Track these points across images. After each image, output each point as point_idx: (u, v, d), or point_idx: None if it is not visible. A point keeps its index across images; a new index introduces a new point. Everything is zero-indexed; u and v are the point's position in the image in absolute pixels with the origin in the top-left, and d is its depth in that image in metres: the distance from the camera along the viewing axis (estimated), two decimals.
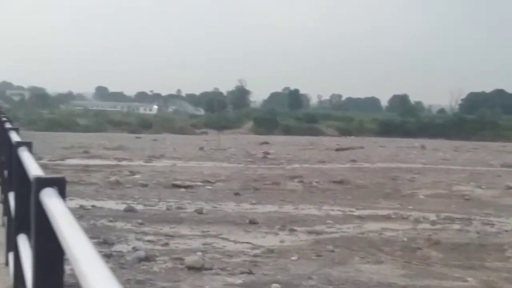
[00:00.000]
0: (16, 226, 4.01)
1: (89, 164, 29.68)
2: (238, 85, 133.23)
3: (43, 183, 2.26)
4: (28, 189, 3.87)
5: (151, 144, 46.50)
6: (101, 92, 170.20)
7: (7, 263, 4.94)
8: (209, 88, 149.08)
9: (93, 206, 17.73)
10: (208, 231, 15.04)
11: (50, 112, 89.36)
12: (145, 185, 23.02)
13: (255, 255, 12.80)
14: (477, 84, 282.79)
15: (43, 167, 3.04)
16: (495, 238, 15.63)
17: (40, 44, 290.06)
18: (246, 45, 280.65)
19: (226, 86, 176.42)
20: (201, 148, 42.80)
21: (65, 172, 23.40)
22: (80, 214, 15.58)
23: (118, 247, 12.86)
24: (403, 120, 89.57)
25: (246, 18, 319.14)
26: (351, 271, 11.91)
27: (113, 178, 24.05)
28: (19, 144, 4.18)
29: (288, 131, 77.44)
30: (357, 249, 13.72)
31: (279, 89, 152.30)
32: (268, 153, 39.49)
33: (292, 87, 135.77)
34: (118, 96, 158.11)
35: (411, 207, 20.36)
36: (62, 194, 2.21)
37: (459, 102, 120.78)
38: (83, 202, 18.10)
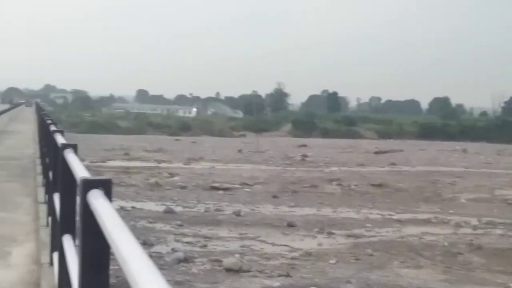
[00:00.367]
0: (61, 226, 4.07)
1: (130, 166, 30.10)
2: (276, 88, 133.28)
3: (90, 184, 2.28)
4: (73, 191, 3.95)
5: (190, 146, 46.90)
6: (142, 95, 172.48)
7: (51, 263, 5.01)
8: (248, 91, 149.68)
9: (133, 207, 17.96)
10: (246, 234, 15.07)
11: (92, 114, 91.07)
12: (184, 187, 23.22)
13: (293, 258, 12.77)
14: None
15: (85, 168, 3.09)
16: None
17: (82, 48, 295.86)
18: (285, 48, 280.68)
19: (264, 89, 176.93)
20: (240, 151, 42.94)
21: (106, 174, 23.80)
22: (120, 215, 15.76)
23: (157, 248, 12.99)
24: (444, 123, 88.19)
25: (285, 21, 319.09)
26: (390, 275, 11.77)
27: (152, 180, 24.33)
28: (65, 146, 4.24)
29: (326, 134, 77.10)
30: (396, 253, 13.55)
31: (317, 91, 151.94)
32: (306, 156, 39.37)
33: (331, 90, 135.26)
34: (158, 99, 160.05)
35: (452, 211, 20.02)
36: (109, 195, 2.22)
37: (502, 104, 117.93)
38: (124, 203, 18.35)
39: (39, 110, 24.46)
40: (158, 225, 15.51)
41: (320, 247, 13.99)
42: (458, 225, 17.24)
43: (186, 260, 12.01)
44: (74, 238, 3.78)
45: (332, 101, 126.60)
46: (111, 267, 2.27)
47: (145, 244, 13.20)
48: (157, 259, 11.99)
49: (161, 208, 18.00)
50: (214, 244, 13.83)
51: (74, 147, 4.20)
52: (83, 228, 2.27)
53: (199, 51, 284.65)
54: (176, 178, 25.81)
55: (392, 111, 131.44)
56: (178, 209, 18.21)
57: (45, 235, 6.15)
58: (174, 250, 12.78)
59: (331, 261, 12.55)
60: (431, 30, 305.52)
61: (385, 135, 78.33)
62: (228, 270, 11.40)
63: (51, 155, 6.32)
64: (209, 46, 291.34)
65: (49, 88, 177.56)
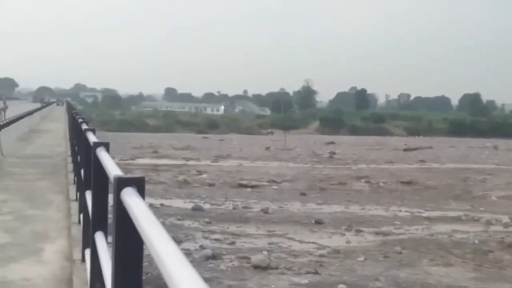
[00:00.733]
0: (93, 223, 4.11)
1: (158, 163, 30.36)
2: (304, 85, 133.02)
3: (123, 182, 2.30)
4: (105, 188, 4.01)
5: (218, 144, 47.07)
6: (170, 93, 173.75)
7: (83, 260, 5.08)
8: (275, 88, 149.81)
9: (161, 204, 18.12)
10: (274, 231, 15.10)
11: (121, 113, 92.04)
12: (212, 185, 23.34)
13: (321, 255, 12.75)
14: None
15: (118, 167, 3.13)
16: None
17: (112, 47, 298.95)
18: (313, 45, 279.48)
19: (292, 86, 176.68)
20: (267, 148, 42.95)
21: (135, 172, 24.06)
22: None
23: (185, 245, 13.09)
24: (475, 119, 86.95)
25: (312, 19, 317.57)
26: (419, 273, 11.67)
27: (181, 177, 24.51)
28: (97, 144, 4.27)
29: (354, 131, 76.64)
30: (426, 251, 13.43)
31: (345, 88, 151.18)
32: (334, 153, 39.21)
33: (359, 87, 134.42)
34: (186, 97, 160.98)
35: (482, 208, 19.75)
36: (142, 193, 2.24)
37: None
38: (152, 201, 18.52)
39: (70, 109, 24.79)
40: (187, 222, 15.62)
41: (349, 245, 13.94)
42: (488, 223, 17.01)
43: (214, 257, 12.08)
44: (106, 235, 3.84)
45: (361, 98, 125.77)
46: None
47: (174, 241, 13.31)
48: (186, 256, 12.08)
49: (189, 206, 18.13)
50: (242, 241, 13.88)
51: (106, 146, 4.23)
52: (117, 225, 2.30)
53: (227, 49, 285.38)
54: (204, 175, 25.96)
55: (422, 107, 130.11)
56: (206, 206, 18.32)
57: (77, 232, 6.24)
58: (202, 247, 12.87)
59: (359, 259, 12.50)
60: (463, 26, 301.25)
61: (414, 132, 77.56)
62: (256, 267, 11.44)
63: (83, 153, 6.40)
64: (237, 44, 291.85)
65: (79, 87, 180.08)
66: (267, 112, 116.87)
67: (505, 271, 12.25)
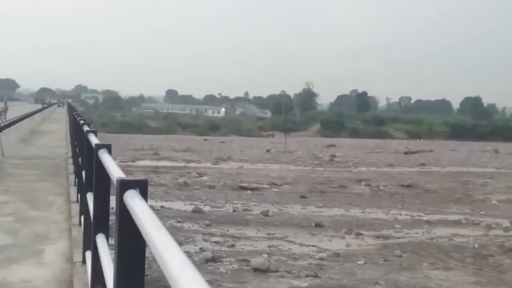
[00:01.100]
0: (94, 226, 4.12)
1: (159, 165, 30.38)
2: (305, 88, 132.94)
3: (126, 185, 2.30)
4: (107, 190, 4.02)
5: (218, 146, 47.09)
6: (171, 95, 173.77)
7: (84, 262, 5.08)
8: (276, 91, 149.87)
9: (162, 206, 18.13)
10: (274, 234, 15.10)
11: (122, 114, 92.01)
12: (212, 187, 23.34)
13: (321, 259, 12.75)
14: None
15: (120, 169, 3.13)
16: None
17: (113, 49, 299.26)
18: (314, 47, 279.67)
19: (293, 89, 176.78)
20: (268, 151, 42.96)
21: (136, 174, 24.08)
22: None
23: (185, 248, 13.09)
24: (476, 123, 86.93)
25: (314, 21, 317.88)
26: (419, 277, 11.67)
27: (181, 180, 24.51)
28: (99, 146, 4.27)
29: (355, 134, 76.65)
30: (426, 255, 13.43)
31: (346, 91, 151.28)
32: (334, 156, 39.21)
33: (360, 90, 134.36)
34: (187, 99, 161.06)
35: (483, 212, 19.74)
36: (145, 195, 2.24)
37: None
38: (153, 203, 18.51)
39: (71, 110, 24.81)
40: (187, 225, 15.63)
41: (349, 248, 13.95)
42: (489, 227, 17.00)
43: (214, 259, 12.09)
44: (107, 237, 3.84)
45: (361, 101, 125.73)
46: None
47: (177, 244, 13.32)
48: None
49: (189, 208, 18.14)
50: (242, 244, 13.89)
51: (108, 148, 4.24)
52: (119, 227, 2.30)
53: (228, 51, 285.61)
54: (204, 177, 25.96)
55: (422, 111, 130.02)
56: (207, 208, 18.32)
57: (78, 233, 6.25)
58: (202, 250, 12.88)
59: (359, 262, 12.50)
60: (463, 30, 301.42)
61: (414, 135, 77.54)
62: (256, 270, 11.44)
63: (84, 155, 6.40)
64: (238, 46, 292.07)
65: (80, 89, 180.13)
66: (268, 114, 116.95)
67: (505, 275, 12.25)
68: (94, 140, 5.24)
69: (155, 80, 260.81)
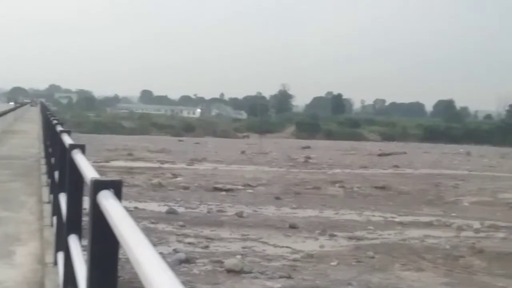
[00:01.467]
0: (67, 226, 4.08)
1: (133, 166, 30.19)
2: (281, 89, 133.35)
3: (100, 185, 2.29)
4: (80, 191, 3.99)
5: (193, 147, 46.96)
6: (146, 96, 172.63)
7: (55, 263, 5.03)
8: (252, 92, 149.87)
9: (135, 207, 18.01)
10: (248, 235, 15.12)
11: (96, 114, 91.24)
12: (186, 188, 23.28)
13: (294, 260, 12.81)
14: None
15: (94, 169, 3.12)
16: None
17: (87, 48, 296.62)
18: (290, 49, 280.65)
19: (269, 90, 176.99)
20: (243, 152, 42.98)
21: (109, 174, 23.88)
22: None
23: (159, 249, 13.02)
24: (448, 125, 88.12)
25: (289, 23, 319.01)
26: (391, 278, 11.81)
27: (155, 181, 24.40)
28: (73, 146, 4.24)
29: (330, 135, 77.11)
30: (398, 256, 13.58)
31: (322, 93, 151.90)
32: (309, 158, 39.39)
33: (335, 92, 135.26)
34: (163, 100, 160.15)
35: (454, 214, 20.03)
36: (119, 196, 2.23)
37: (507, 108, 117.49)
38: (126, 204, 18.37)
39: (44, 110, 24.52)
40: (160, 226, 15.57)
41: (322, 249, 14.03)
42: (460, 228, 17.25)
43: (187, 260, 12.07)
44: (80, 238, 3.81)
45: (337, 103, 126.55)
46: None
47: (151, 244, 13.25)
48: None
49: (163, 209, 18.07)
50: (216, 245, 13.89)
51: (82, 148, 4.21)
52: (92, 228, 2.29)
53: (204, 52, 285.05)
54: (179, 178, 25.88)
55: (397, 113, 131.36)
56: (181, 209, 18.27)
57: (50, 234, 6.18)
58: (175, 251, 12.85)
59: (332, 263, 12.59)
60: (436, 31, 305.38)
61: (389, 138, 78.30)
62: (230, 271, 11.46)
63: (58, 155, 6.34)
64: (214, 47, 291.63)
65: (54, 88, 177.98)
66: (244, 115, 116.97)
67: (476, 276, 12.45)
68: (67, 140, 5.20)
69: (130, 81, 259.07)
